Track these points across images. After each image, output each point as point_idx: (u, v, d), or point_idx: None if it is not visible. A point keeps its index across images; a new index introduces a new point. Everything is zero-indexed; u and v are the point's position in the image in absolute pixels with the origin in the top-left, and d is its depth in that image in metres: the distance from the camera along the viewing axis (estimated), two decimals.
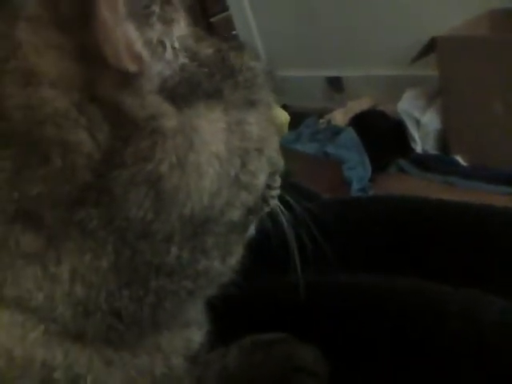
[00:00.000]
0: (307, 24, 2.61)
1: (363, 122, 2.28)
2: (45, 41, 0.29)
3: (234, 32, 3.00)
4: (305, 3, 2.55)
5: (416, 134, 2.09)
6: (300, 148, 2.35)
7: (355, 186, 2.03)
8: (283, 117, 2.92)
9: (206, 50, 0.36)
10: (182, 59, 0.33)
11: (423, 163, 2.02)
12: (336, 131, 2.32)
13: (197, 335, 0.45)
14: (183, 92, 0.32)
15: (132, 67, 0.29)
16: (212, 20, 3.65)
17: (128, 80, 0.29)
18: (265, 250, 0.55)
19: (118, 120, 0.29)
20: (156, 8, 0.31)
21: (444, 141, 2.06)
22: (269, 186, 0.42)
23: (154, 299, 0.35)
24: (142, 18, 0.30)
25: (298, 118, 2.55)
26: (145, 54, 0.30)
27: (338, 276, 0.60)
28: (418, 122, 2.08)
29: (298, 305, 0.56)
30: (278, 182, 0.44)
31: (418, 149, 2.10)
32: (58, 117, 0.29)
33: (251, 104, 0.38)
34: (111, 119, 0.29)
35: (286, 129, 2.82)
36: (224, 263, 0.38)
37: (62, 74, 0.29)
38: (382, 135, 2.20)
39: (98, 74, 0.29)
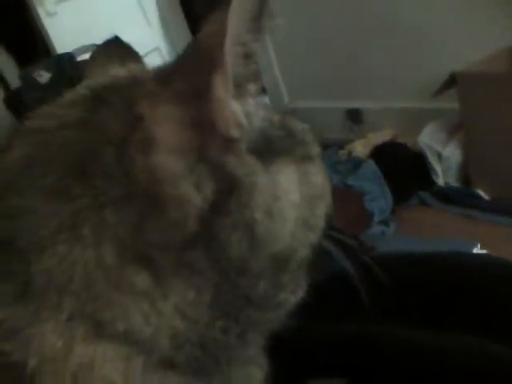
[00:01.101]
0: (327, 57, 2.65)
1: (384, 154, 2.31)
2: (163, 114, 0.34)
3: None
4: (325, 35, 2.60)
5: (438, 166, 2.10)
6: None
7: (376, 218, 2.05)
8: None
9: (275, 116, 0.42)
10: (263, 124, 0.39)
11: (445, 196, 2.04)
12: (357, 163, 2.34)
13: (257, 373, 0.47)
14: (264, 151, 0.38)
15: (236, 133, 0.35)
16: None
17: (232, 144, 0.35)
18: (326, 296, 0.57)
19: (223, 177, 0.35)
20: (251, 86, 0.37)
21: (465, 174, 2.07)
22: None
23: (240, 330, 0.39)
24: (242, 93, 0.36)
25: None
26: (245, 122, 0.36)
27: (398, 331, 0.61)
28: (439, 155, 2.10)
29: (358, 353, 0.58)
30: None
31: (440, 181, 2.12)
32: (174, 177, 0.34)
33: (310, 158, 0.43)
34: (216, 176, 0.35)
35: None
36: (295, 295, 0.42)
37: (178, 141, 0.34)
38: (403, 167, 2.22)
39: (208, 139, 0.34)
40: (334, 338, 0.62)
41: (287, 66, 2.89)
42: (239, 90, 0.35)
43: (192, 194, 0.34)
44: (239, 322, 0.38)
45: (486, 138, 1.91)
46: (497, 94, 1.79)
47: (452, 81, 1.95)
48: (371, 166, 2.24)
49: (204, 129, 0.34)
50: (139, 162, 0.34)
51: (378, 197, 2.12)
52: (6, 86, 2.33)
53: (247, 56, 0.35)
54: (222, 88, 0.33)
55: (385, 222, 2.05)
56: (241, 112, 0.35)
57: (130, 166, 0.34)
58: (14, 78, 2.29)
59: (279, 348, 0.44)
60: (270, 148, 0.38)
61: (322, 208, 0.42)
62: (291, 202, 0.38)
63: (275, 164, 0.38)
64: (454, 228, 1.91)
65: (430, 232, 1.92)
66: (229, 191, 0.35)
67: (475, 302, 0.63)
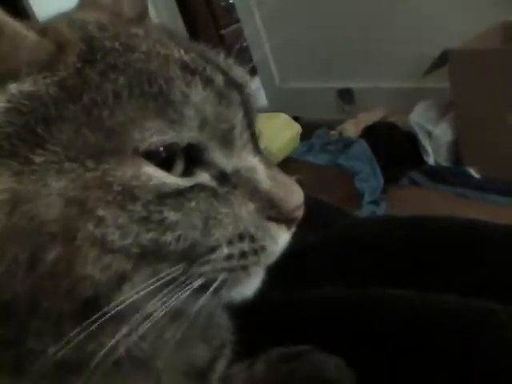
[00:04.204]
0: (318, 36, 2.63)
1: (375, 134, 2.29)
2: None
3: (244, 44, 3.02)
4: (316, 16, 2.57)
5: (428, 145, 2.09)
6: (311, 159, 2.36)
7: (367, 198, 2.04)
8: (295, 128, 2.94)
9: None
10: None
11: (435, 175, 2.03)
12: (347, 143, 2.33)
13: (202, 350, 0.47)
14: None
15: None
16: (223, 32, 3.69)
17: None
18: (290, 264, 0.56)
19: None
20: None
21: (456, 153, 2.07)
22: None
23: None
24: None
25: (309, 130, 2.56)
26: None
27: (379, 290, 0.60)
28: (430, 134, 2.09)
29: (326, 317, 0.57)
30: None
31: (431, 161, 2.11)
32: None
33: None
34: None
35: (297, 140, 2.84)
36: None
37: None
38: (394, 147, 2.21)
39: None
40: (315, 304, 0.62)
41: (278, 46, 2.86)
42: None
43: None
44: None
45: (476, 117, 1.90)
46: (489, 70, 1.77)
47: (443, 59, 1.93)
48: (362, 146, 2.23)
49: None
50: None
51: (368, 177, 2.11)
52: None
53: None
54: None
55: (375, 202, 2.04)
56: None
57: None
58: None
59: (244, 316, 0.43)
60: None
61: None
62: None
63: None
64: (445, 207, 1.90)
65: (421, 211, 1.88)
66: None
67: (462, 262, 0.62)
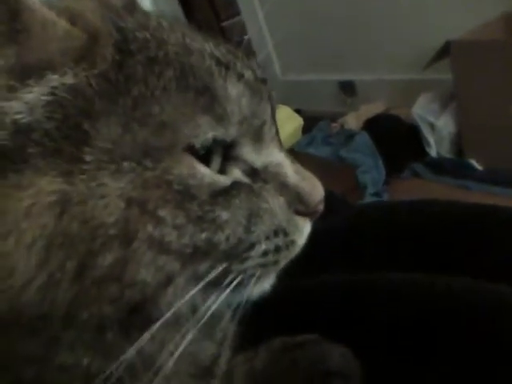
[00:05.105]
0: (320, 29, 2.62)
1: (377, 126, 2.29)
2: None
3: (246, 36, 2.99)
4: (317, 8, 2.56)
5: (431, 137, 2.09)
6: (313, 152, 2.36)
7: (370, 190, 2.04)
8: (297, 121, 2.92)
9: None
10: None
11: (438, 167, 2.02)
12: (349, 135, 2.32)
13: (207, 348, 0.47)
14: None
15: None
16: (224, 24, 3.67)
17: None
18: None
19: None
20: None
21: (458, 145, 2.06)
22: None
23: None
24: None
25: (311, 122, 2.56)
26: None
27: (385, 275, 0.60)
28: (432, 126, 2.08)
29: (331, 306, 0.57)
30: None
31: (433, 153, 2.10)
32: None
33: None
34: None
35: (299, 133, 2.81)
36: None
37: None
38: (396, 139, 2.20)
39: None
40: (323, 291, 0.62)
41: (280, 38, 2.85)
42: None
43: None
44: None
45: (479, 108, 1.90)
46: (491, 62, 1.76)
47: (445, 50, 1.92)
48: (364, 138, 2.23)
49: None
50: None
51: (370, 169, 2.11)
52: None
53: None
54: None
55: (378, 194, 2.03)
56: None
57: None
58: None
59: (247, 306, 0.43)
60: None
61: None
62: None
63: None
64: (447, 198, 1.89)
65: None
66: None
67: (468, 247, 0.62)
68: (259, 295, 0.42)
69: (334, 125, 2.52)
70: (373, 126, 2.31)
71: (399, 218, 0.70)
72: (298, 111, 2.65)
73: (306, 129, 2.56)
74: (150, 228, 0.33)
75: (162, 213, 0.33)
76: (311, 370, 0.53)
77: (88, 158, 0.32)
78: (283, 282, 0.45)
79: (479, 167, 1.97)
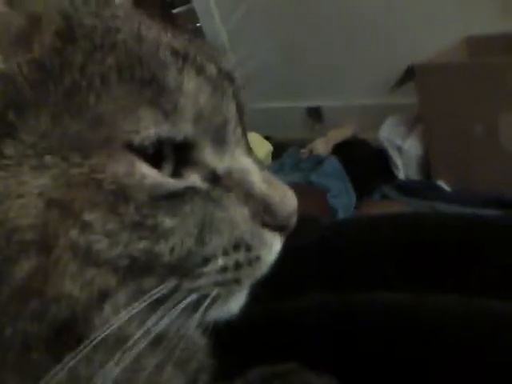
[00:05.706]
0: (286, 56, 2.64)
1: (345, 151, 2.30)
2: None
3: (198, 24, 2.93)
4: (284, 35, 2.59)
5: (398, 160, 2.11)
6: (284, 178, 2.34)
7: (340, 214, 2.03)
8: (266, 147, 2.92)
9: None
10: None
11: (406, 189, 2.04)
12: (318, 160, 2.33)
13: (175, 377, 0.43)
14: None
15: None
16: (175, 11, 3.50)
17: None
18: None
19: None
20: None
21: (426, 166, 2.08)
22: None
23: None
24: None
25: (280, 149, 2.56)
26: None
27: (380, 294, 0.58)
28: (399, 149, 2.10)
29: (314, 330, 0.54)
30: None
31: (401, 175, 2.12)
32: None
33: None
34: None
35: (269, 159, 2.81)
36: None
37: None
38: (365, 163, 2.22)
39: None
40: (300, 315, 0.58)
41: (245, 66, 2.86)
42: None
43: None
44: None
45: (444, 130, 1.92)
46: (455, 84, 1.80)
47: (410, 73, 1.96)
48: (333, 163, 2.23)
49: None
50: None
51: (340, 193, 2.11)
52: None
53: None
54: None
55: None
56: None
57: None
58: None
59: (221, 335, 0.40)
60: None
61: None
62: None
63: None
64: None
65: None
66: None
67: (458, 260, 0.60)
68: (225, 318, 0.38)
69: (303, 151, 2.53)
70: (341, 150, 2.32)
71: (379, 234, 0.67)
72: (267, 138, 2.65)
73: (276, 155, 2.56)
74: (73, 234, 0.29)
75: (88, 216, 0.29)
76: None
77: (9, 151, 0.29)
78: (258, 305, 0.41)
79: (447, 188, 1.99)
